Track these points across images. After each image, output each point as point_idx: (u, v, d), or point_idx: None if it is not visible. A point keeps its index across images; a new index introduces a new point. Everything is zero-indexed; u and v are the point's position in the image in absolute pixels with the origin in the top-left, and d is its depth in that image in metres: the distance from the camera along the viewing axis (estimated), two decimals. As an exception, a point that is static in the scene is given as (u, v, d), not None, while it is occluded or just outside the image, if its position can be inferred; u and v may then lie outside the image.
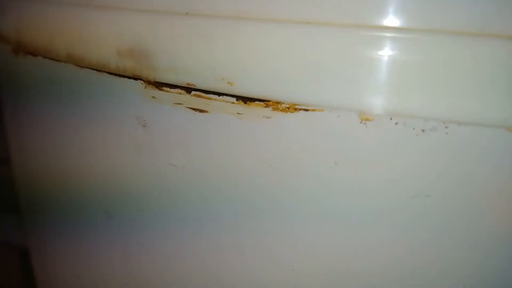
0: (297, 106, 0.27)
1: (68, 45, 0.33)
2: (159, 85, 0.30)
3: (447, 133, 0.25)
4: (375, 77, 0.25)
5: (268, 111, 0.27)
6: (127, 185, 0.34)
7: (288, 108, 0.27)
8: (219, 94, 0.28)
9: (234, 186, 0.30)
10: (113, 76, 0.32)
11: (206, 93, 0.29)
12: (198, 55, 0.28)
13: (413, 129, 0.25)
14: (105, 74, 0.32)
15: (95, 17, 0.31)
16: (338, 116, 0.26)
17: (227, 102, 0.28)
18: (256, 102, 0.28)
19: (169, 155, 0.32)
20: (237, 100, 0.28)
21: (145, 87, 0.31)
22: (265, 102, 0.27)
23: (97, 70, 0.33)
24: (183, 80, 0.29)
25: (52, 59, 0.36)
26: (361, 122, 0.26)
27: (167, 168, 0.32)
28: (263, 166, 0.28)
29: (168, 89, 0.30)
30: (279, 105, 0.27)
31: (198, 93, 0.29)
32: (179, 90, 0.30)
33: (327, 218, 0.28)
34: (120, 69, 0.31)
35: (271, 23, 0.26)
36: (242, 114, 0.28)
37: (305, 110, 0.27)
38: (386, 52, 0.24)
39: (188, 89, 0.29)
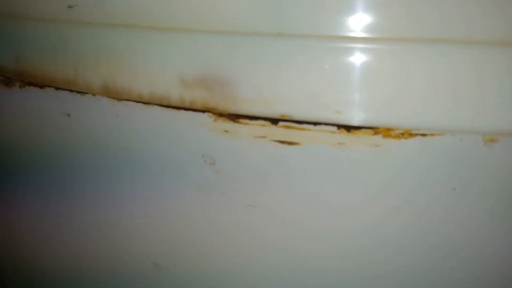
0: (413, 132, 0.24)
1: (105, 75, 0.27)
2: (235, 117, 0.26)
3: None
4: (502, 95, 0.23)
5: (377, 139, 0.24)
6: (188, 233, 0.29)
7: (402, 134, 0.24)
8: (315, 123, 0.25)
9: (332, 226, 0.26)
10: (170, 109, 0.27)
11: (298, 123, 0.25)
12: (297, 82, 0.24)
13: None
14: (156, 107, 0.27)
15: (149, 41, 0.26)
16: (461, 140, 0.24)
17: (325, 131, 0.25)
18: (363, 130, 0.25)
19: (246, 194, 0.28)
20: (338, 129, 0.25)
21: (215, 120, 0.26)
22: (374, 129, 0.24)
23: (146, 103, 0.27)
24: (274, 111, 0.25)
25: (74, 91, 0.30)
26: (484, 144, 0.24)
27: (244, 210, 0.28)
28: (369, 199, 0.26)
29: (247, 121, 0.26)
30: (391, 132, 0.24)
31: (288, 123, 0.25)
32: (262, 122, 0.26)
33: (450, 251, 0.25)
34: (184, 101, 0.26)
35: (388, 41, 0.23)
36: (344, 144, 0.25)
37: (423, 135, 0.24)
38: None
39: (275, 120, 0.25)
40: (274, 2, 0.23)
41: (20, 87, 0.33)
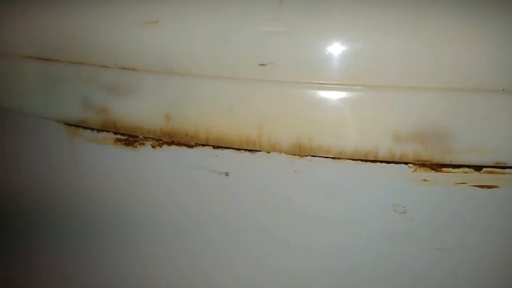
0: None
1: (300, 133, 0.27)
2: (437, 166, 0.27)
3: None
4: None
5: None
6: (377, 277, 0.29)
7: None
8: (517, 167, 0.27)
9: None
10: (367, 163, 0.27)
11: (502, 168, 0.27)
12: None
13: None
14: (348, 161, 0.27)
15: (361, 100, 0.26)
16: None
17: (524, 174, 0.27)
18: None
19: (434, 239, 0.28)
20: (536, 171, 0.27)
21: (414, 171, 0.27)
22: None
23: (337, 158, 0.27)
24: (489, 159, 0.26)
25: (236, 148, 0.28)
26: None
27: (430, 254, 0.29)
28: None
29: (450, 169, 0.27)
30: None
31: (491, 169, 0.27)
32: (465, 169, 0.27)
33: None
34: (394, 155, 0.26)
35: None
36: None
37: None
38: None
39: (478, 167, 0.27)
40: (500, 59, 0.24)
41: (153, 147, 0.30)
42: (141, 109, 0.29)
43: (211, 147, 0.29)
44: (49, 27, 0.31)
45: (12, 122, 0.35)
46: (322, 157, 0.27)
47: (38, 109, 0.33)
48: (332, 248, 0.29)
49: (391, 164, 0.27)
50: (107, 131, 0.31)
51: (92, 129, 0.32)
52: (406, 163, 0.27)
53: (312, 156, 0.27)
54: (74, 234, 0.35)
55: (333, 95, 0.26)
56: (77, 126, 0.32)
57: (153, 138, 0.30)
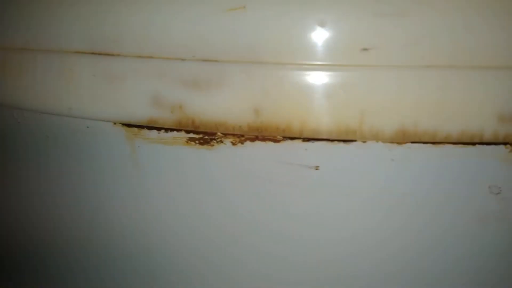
0: None
1: (404, 118, 0.26)
2: (536, 145, 0.27)
3: None
4: None
5: None
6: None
7: None
8: None
9: None
10: (468, 146, 0.26)
11: None
12: None
13: None
14: (448, 146, 0.27)
15: (467, 80, 0.25)
16: None
17: None
18: None
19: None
20: None
21: (511, 151, 0.27)
22: None
23: (437, 143, 0.26)
24: None
25: (324, 140, 0.27)
26: None
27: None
28: None
29: (546, 147, 0.27)
30: None
31: None
32: (561, 146, 0.27)
33: None
34: (498, 136, 0.26)
35: None
36: None
37: None
38: None
39: None
40: None
41: (234, 144, 0.28)
42: (225, 103, 0.27)
43: (300, 140, 0.27)
44: (107, 18, 0.28)
45: (57, 129, 0.32)
46: (422, 142, 0.27)
47: (91, 110, 0.30)
48: (429, 235, 0.29)
49: (491, 145, 0.27)
50: (178, 130, 0.29)
51: (159, 129, 0.29)
52: (505, 144, 0.27)
53: (411, 142, 0.27)
54: (137, 247, 0.32)
55: (441, 78, 0.25)
56: (138, 127, 0.30)
57: (234, 135, 0.28)
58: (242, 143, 0.28)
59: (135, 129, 0.30)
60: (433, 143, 0.27)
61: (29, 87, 0.31)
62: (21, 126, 0.34)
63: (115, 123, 0.30)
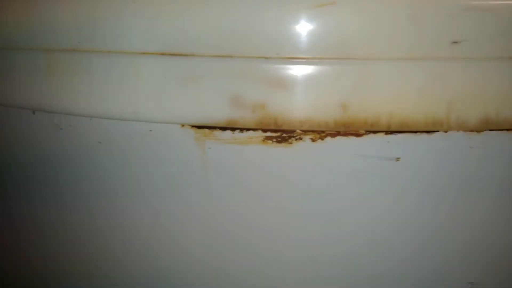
0: None
1: (488, 108, 0.26)
2: None
3: None
4: None
5: None
6: None
7: None
8: None
9: None
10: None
11: None
12: None
13: None
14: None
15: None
16: None
17: None
18: None
19: None
20: None
21: None
22: None
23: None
24: None
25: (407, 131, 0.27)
26: None
27: None
28: None
29: None
30: None
31: None
32: None
33: None
34: None
35: None
36: None
37: None
38: None
39: None
40: None
41: (313, 140, 0.28)
42: (311, 101, 0.26)
43: (383, 134, 0.28)
44: (180, 18, 0.26)
45: (112, 133, 0.30)
46: (499, 130, 0.28)
47: (158, 113, 0.28)
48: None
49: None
50: (254, 130, 0.28)
51: (233, 129, 0.28)
52: None
53: (489, 130, 0.28)
54: (205, 250, 0.31)
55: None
56: (210, 128, 0.29)
57: (313, 131, 0.28)
58: (322, 139, 0.28)
59: (206, 130, 0.29)
60: (509, 130, 0.28)
61: (81, 91, 0.29)
62: (63, 133, 0.32)
63: (183, 125, 0.29)
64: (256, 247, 0.31)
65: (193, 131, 0.29)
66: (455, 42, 0.25)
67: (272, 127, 0.27)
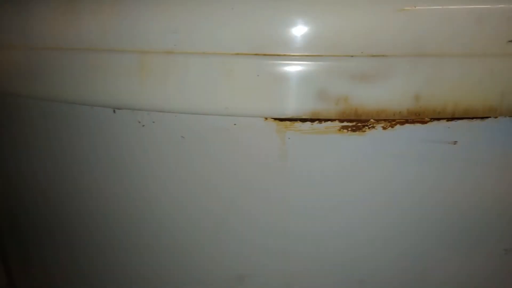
0: None
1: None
2: None
3: None
4: None
5: None
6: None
7: None
8: None
9: None
10: None
11: None
12: None
13: None
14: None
15: None
16: None
17: None
18: None
19: None
20: None
21: None
22: None
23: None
24: None
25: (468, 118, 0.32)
26: None
27: None
28: None
29: None
30: None
31: None
32: None
33: None
34: None
35: None
36: None
37: None
38: None
39: None
40: None
41: (384, 128, 0.32)
42: (388, 93, 0.30)
43: (445, 120, 0.32)
44: (274, 23, 0.29)
45: (196, 128, 0.33)
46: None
47: (246, 108, 0.31)
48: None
49: None
50: (332, 120, 0.31)
51: (313, 120, 0.31)
52: None
53: (530, 114, 0.32)
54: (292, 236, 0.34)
55: None
56: (291, 120, 0.32)
57: (385, 120, 0.31)
58: (392, 127, 0.32)
59: (288, 122, 0.32)
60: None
61: (177, 89, 0.31)
62: (145, 130, 0.34)
63: (266, 118, 0.32)
64: (336, 229, 0.34)
65: (275, 123, 0.32)
66: (510, 41, 0.30)
67: (353, 117, 0.31)
